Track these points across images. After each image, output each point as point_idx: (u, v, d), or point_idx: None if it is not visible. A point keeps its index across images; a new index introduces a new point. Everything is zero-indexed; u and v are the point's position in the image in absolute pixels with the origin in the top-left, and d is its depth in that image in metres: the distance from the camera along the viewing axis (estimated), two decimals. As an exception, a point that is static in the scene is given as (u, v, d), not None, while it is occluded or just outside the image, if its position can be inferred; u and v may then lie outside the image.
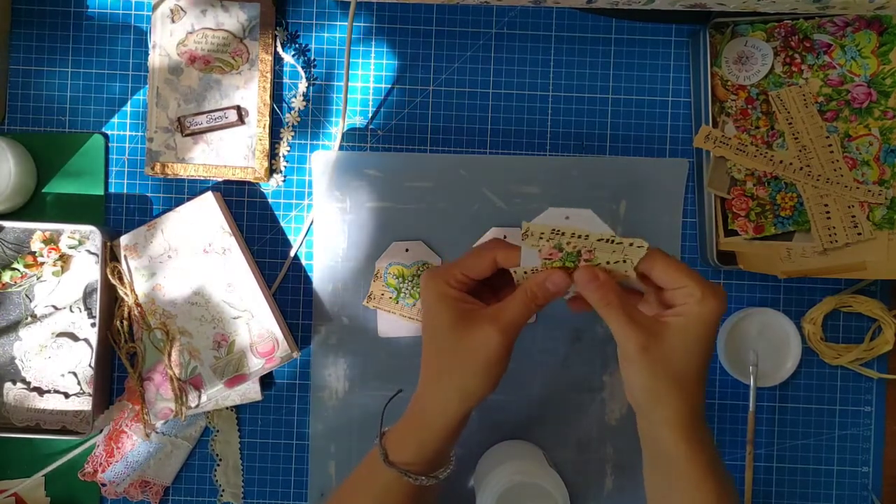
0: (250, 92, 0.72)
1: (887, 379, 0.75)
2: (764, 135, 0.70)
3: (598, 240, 0.51)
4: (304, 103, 0.74)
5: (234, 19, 0.72)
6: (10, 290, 0.72)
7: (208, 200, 0.72)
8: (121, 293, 0.71)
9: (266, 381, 0.74)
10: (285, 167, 0.74)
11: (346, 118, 0.74)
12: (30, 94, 0.74)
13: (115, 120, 0.74)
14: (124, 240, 0.72)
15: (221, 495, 0.75)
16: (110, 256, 0.72)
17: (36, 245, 0.71)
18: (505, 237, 0.71)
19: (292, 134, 0.74)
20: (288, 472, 0.75)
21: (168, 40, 0.72)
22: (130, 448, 0.73)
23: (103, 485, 0.73)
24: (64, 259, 0.72)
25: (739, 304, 0.74)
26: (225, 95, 0.72)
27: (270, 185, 0.74)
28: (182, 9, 0.72)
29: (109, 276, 0.71)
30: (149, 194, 0.74)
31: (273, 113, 0.74)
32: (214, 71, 0.72)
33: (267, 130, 0.73)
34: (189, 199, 0.73)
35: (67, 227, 0.71)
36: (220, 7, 0.72)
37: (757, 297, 0.75)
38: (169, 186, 0.74)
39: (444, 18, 0.74)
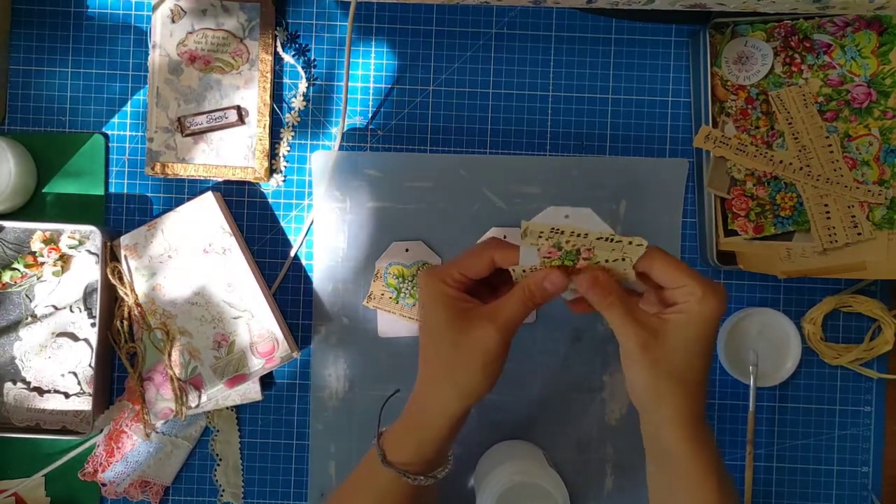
0: (250, 92, 0.72)
1: (887, 379, 0.75)
2: (764, 135, 0.70)
3: (598, 238, 0.51)
4: (304, 103, 0.74)
5: (234, 19, 0.72)
6: (10, 290, 0.72)
7: (208, 200, 0.72)
8: (121, 293, 0.71)
9: (266, 381, 0.74)
10: (285, 167, 0.74)
11: (346, 118, 0.74)
12: (30, 94, 0.74)
13: (115, 120, 0.74)
14: (124, 240, 0.72)
15: (221, 495, 0.75)
16: (110, 256, 0.72)
17: (36, 245, 0.71)
18: (505, 237, 0.71)
19: (292, 134, 0.74)
20: (288, 472, 0.75)
21: (168, 40, 0.72)
22: (130, 448, 0.73)
23: (103, 485, 0.73)
24: (64, 259, 0.72)
25: (739, 304, 0.74)
26: (225, 95, 0.72)
27: (270, 185, 0.74)
28: (182, 9, 0.72)
29: (109, 276, 0.71)
30: (149, 194, 0.74)
31: (273, 113, 0.74)
32: (214, 71, 0.72)
33: (267, 130, 0.73)
34: (189, 199, 0.73)
35: (67, 227, 0.72)
36: (220, 7, 0.72)
37: (757, 297, 0.75)
38: (169, 186, 0.74)
39: (444, 18, 0.74)
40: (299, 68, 0.74)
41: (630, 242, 0.51)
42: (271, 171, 0.74)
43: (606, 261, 0.53)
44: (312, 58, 0.74)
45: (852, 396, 0.75)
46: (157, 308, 0.71)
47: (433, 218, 0.73)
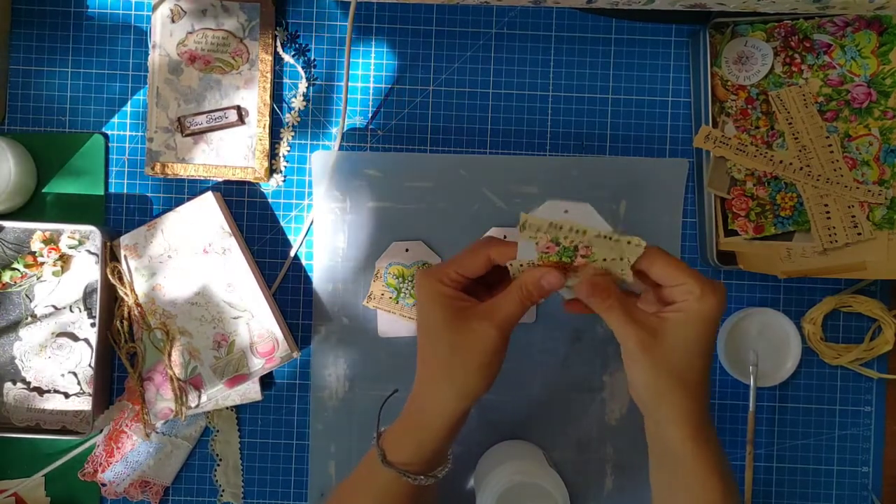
0: (250, 92, 0.72)
1: (887, 379, 0.75)
2: (764, 135, 0.70)
3: (596, 236, 0.51)
4: (304, 103, 0.74)
5: (234, 19, 0.72)
6: (10, 290, 0.72)
7: (208, 200, 0.72)
8: (121, 293, 0.71)
9: (266, 381, 0.74)
10: (285, 167, 0.74)
11: (346, 118, 0.74)
12: (30, 94, 0.74)
13: (115, 120, 0.74)
14: (124, 240, 0.72)
15: (221, 495, 0.75)
16: (110, 256, 0.72)
17: (36, 245, 0.71)
18: (505, 237, 0.71)
19: (292, 134, 0.74)
20: (288, 472, 0.75)
21: (168, 40, 0.72)
22: (130, 448, 0.73)
23: (103, 485, 0.73)
24: (64, 259, 0.72)
25: (739, 304, 0.74)
26: (225, 95, 0.72)
27: (270, 185, 0.74)
28: (182, 9, 0.72)
29: (109, 276, 0.71)
30: (149, 194, 0.74)
31: (273, 113, 0.74)
32: (214, 71, 0.72)
33: (267, 130, 0.73)
34: (189, 199, 0.73)
35: (67, 227, 0.72)
36: (220, 7, 0.72)
37: (757, 297, 0.75)
38: (169, 186, 0.74)
39: (444, 18, 0.74)
40: (299, 68, 0.74)
41: (629, 242, 0.51)
42: (271, 171, 0.74)
43: (604, 259, 0.53)
44: (312, 58, 0.74)
45: (852, 396, 0.75)
46: (157, 308, 0.71)
47: (433, 218, 0.73)
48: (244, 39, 0.72)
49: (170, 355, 0.71)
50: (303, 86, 0.74)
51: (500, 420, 0.74)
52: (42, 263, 0.71)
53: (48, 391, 0.73)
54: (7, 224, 0.71)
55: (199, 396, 0.71)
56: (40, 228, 0.71)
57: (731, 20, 0.70)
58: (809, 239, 0.69)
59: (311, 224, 0.74)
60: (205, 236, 0.71)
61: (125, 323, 0.72)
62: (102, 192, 0.74)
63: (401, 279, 0.73)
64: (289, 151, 0.74)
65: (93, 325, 0.72)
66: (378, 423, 0.60)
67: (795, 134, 0.69)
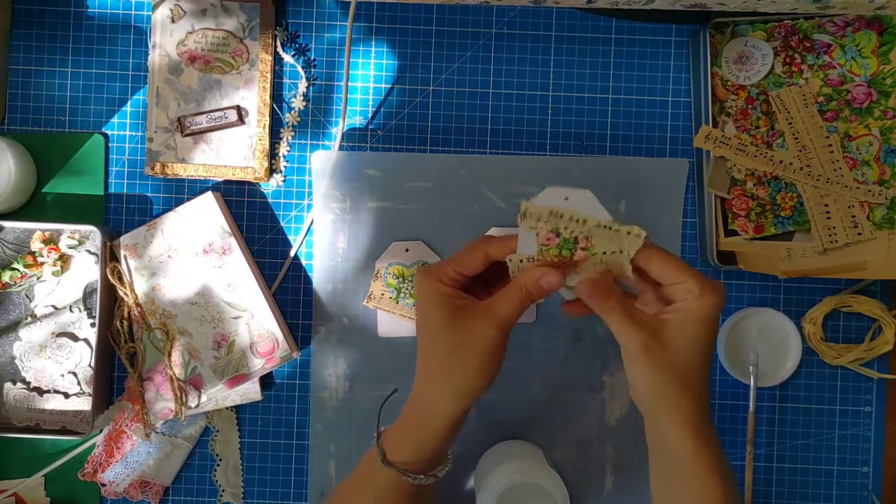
0: (250, 92, 0.72)
1: (887, 379, 0.75)
2: (764, 135, 0.70)
3: (596, 226, 0.51)
4: (304, 103, 0.74)
5: (234, 19, 0.72)
6: (10, 290, 0.72)
7: (208, 200, 0.72)
8: (121, 293, 0.71)
9: (266, 381, 0.74)
10: (285, 167, 0.74)
11: (346, 118, 0.74)
12: (30, 94, 0.74)
13: (115, 120, 0.74)
14: (124, 240, 0.72)
15: (221, 495, 0.75)
16: (110, 256, 0.72)
17: (36, 245, 0.71)
18: (505, 237, 0.71)
19: (292, 134, 0.74)
20: (288, 472, 0.75)
21: (168, 40, 0.72)
22: (130, 448, 0.73)
23: (103, 485, 0.73)
24: (64, 259, 0.72)
25: (739, 304, 0.74)
26: (225, 95, 0.72)
27: (270, 185, 0.74)
28: (182, 9, 0.72)
29: (109, 276, 0.71)
30: (149, 194, 0.74)
31: (273, 113, 0.74)
32: (214, 71, 0.72)
33: (267, 130, 0.73)
34: (189, 199, 0.73)
35: (67, 227, 0.72)
36: (220, 7, 0.72)
37: (757, 297, 0.75)
38: (169, 186, 0.74)
39: (444, 18, 0.74)
40: (299, 68, 0.74)
41: (629, 232, 0.51)
42: (271, 171, 0.74)
43: (604, 253, 0.52)
44: (312, 58, 0.74)
45: (852, 396, 0.75)
46: (156, 308, 0.71)
47: (433, 218, 0.73)
48: (244, 39, 0.72)
49: (170, 355, 0.71)
50: (303, 86, 0.74)
51: (500, 420, 0.74)
52: (42, 263, 0.71)
53: (48, 391, 0.73)
54: (7, 224, 0.71)
55: (199, 396, 0.71)
56: (40, 228, 0.71)
57: (731, 20, 0.70)
58: (809, 239, 0.69)
59: (311, 224, 0.74)
60: (205, 236, 0.71)
61: (125, 323, 0.72)
62: (102, 192, 0.74)
63: (401, 279, 0.73)
64: (289, 151, 0.74)
65: (93, 325, 0.72)
66: (378, 423, 0.60)
67: (795, 134, 0.69)
